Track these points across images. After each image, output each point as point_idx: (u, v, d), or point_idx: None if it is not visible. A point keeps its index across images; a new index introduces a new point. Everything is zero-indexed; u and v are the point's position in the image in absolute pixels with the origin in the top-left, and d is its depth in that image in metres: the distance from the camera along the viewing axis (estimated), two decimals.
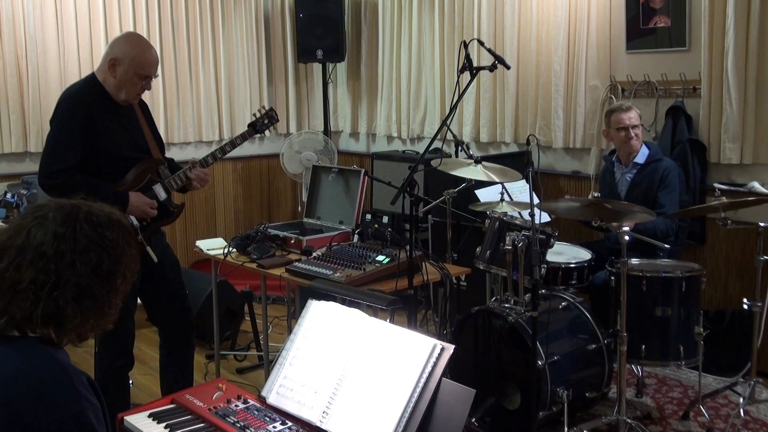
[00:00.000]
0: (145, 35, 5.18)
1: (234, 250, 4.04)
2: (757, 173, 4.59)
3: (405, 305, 3.28)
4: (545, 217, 4.46)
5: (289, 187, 7.09)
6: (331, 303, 2.43)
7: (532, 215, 3.33)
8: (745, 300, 3.90)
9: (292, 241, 4.05)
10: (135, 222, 3.40)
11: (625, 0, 5.03)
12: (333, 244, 3.85)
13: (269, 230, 4.15)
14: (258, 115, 3.91)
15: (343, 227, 4.21)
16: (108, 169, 3.40)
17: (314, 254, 3.80)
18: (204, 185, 3.70)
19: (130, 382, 3.79)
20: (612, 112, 4.45)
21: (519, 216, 4.00)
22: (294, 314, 4.81)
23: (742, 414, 3.81)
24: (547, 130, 5.51)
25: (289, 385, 2.32)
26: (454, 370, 3.59)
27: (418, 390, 2.05)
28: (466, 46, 3.47)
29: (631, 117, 4.35)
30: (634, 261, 3.86)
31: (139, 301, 3.64)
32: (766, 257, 3.76)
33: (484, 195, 4.58)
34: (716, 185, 4.51)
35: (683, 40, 4.83)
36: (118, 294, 1.70)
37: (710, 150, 4.73)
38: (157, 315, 3.72)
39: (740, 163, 4.61)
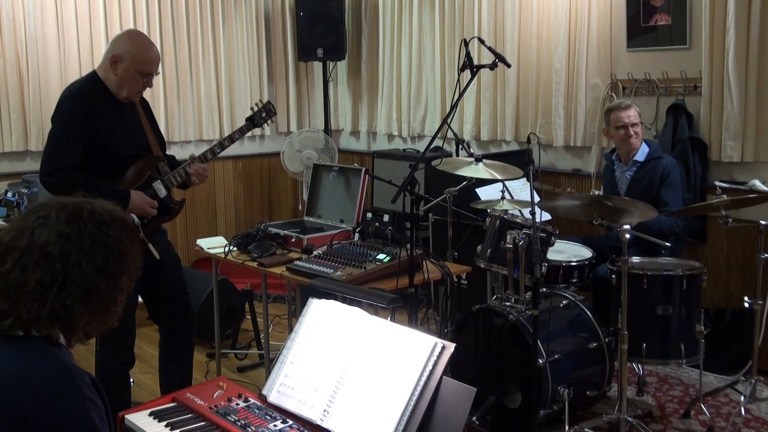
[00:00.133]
0: (145, 33, 5.18)
1: (235, 248, 4.04)
2: (758, 171, 4.58)
3: (406, 304, 3.28)
4: (546, 216, 4.46)
5: (290, 186, 7.09)
6: (332, 301, 2.43)
7: (532, 213, 3.33)
8: (746, 298, 3.89)
9: (293, 240, 4.05)
10: (136, 220, 3.39)
11: None
12: (334, 242, 3.85)
13: (270, 229, 4.15)
14: (255, 108, 3.90)
15: (343, 226, 4.21)
16: (109, 166, 3.40)
17: (315, 253, 3.80)
18: (203, 180, 3.70)
19: (131, 380, 3.79)
20: (611, 110, 4.45)
21: (520, 214, 4.00)
22: (295, 313, 4.80)
23: (743, 412, 3.81)
24: (548, 128, 5.51)
25: (290, 383, 2.32)
26: (454, 368, 3.59)
27: (419, 388, 2.05)
28: (466, 44, 3.47)
29: (630, 115, 4.34)
30: (635, 259, 3.86)
31: (140, 299, 3.64)
32: (766, 255, 3.76)
33: (484, 193, 4.58)
34: (717, 183, 4.51)
35: (684, 38, 4.82)
36: (123, 292, 1.70)
37: (711, 148, 4.72)
38: (158, 313, 3.72)
39: (741, 161, 4.61)
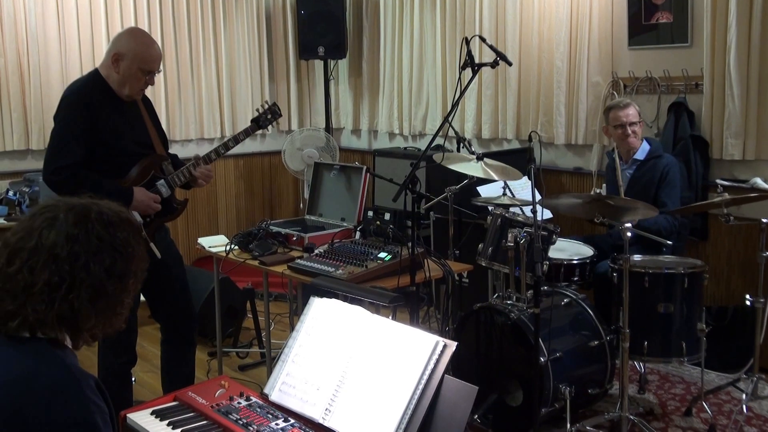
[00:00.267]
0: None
1: (236, 247, 4.04)
2: (759, 169, 4.58)
3: (407, 302, 3.29)
4: (547, 214, 4.46)
5: (291, 184, 7.09)
6: (334, 300, 2.43)
7: (534, 212, 3.33)
8: (747, 296, 3.89)
9: (294, 238, 4.05)
10: (138, 218, 3.40)
11: None
12: (335, 241, 3.85)
13: (271, 227, 4.15)
14: (261, 110, 3.89)
15: (345, 224, 4.21)
16: (112, 164, 3.40)
17: (316, 251, 3.80)
18: (208, 182, 3.70)
19: (133, 379, 3.79)
20: (610, 109, 4.45)
21: (521, 212, 3.99)
22: (296, 311, 4.81)
23: (744, 410, 3.81)
24: (549, 126, 5.50)
25: (292, 382, 2.32)
26: (456, 367, 3.59)
27: (421, 387, 2.05)
28: (467, 42, 3.47)
29: (629, 114, 4.33)
30: (637, 257, 3.86)
31: (142, 297, 3.64)
32: None
33: (486, 192, 4.58)
34: (718, 181, 4.51)
35: (685, 36, 4.82)
36: (129, 294, 1.70)
37: (712, 146, 4.72)
38: (160, 312, 3.72)
39: (743, 159, 4.61)
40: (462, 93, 3.58)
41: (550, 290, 3.90)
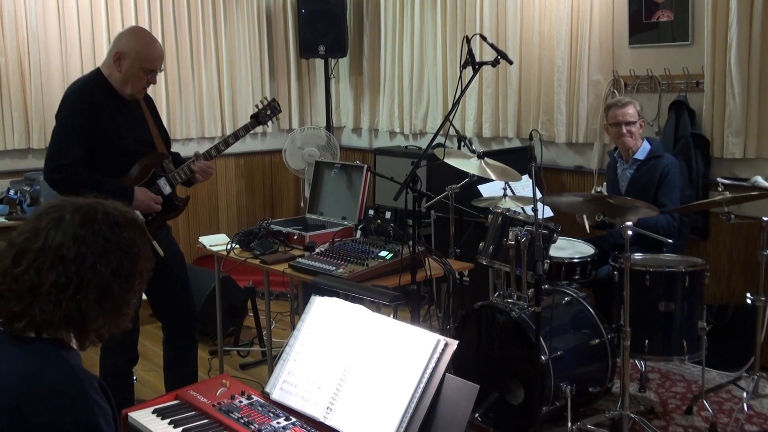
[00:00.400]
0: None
1: (237, 246, 4.04)
2: (760, 168, 4.58)
3: (408, 301, 3.29)
4: (548, 212, 4.46)
5: (292, 183, 7.09)
6: (335, 299, 2.43)
7: (535, 210, 3.33)
8: (748, 294, 3.89)
9: (295, 237, 4.05)
10: (140, 217, 3.40)
11: None
12: (336, 239, 3.85)
13: (272, 226, 4.15)
14: (260, 106, 3.89)
15: (345, 223, 4.21)
16: (113, 163, 3.41)
17: (317, 250, 3.80)
18: (207, 178, 3.70)
19: (134, 378, 3.79)
20: (609, 107, 4.45)
21: (522, 211, 4.00)
22: (297, 310, 4.81)
23: (745, 408, 3.81)
24: (550, 125, 5.50)
25: (293, 380, 2.32)
26: (457, 365, 3.59)
27: (422, 385, 2.05)
28: (468, 41, 3.46)
29: (626, 113, 4.32)
30: (637, 256, 3.86)
31: (143, 296, 3.64)
32: None
33: (486, 190, 4.58)
34: (719, 180, 4.51)
35: (686, 34, 4.81)
36: (136, 294, 1.70)
37: (713, 144, 4.72)
38: (161, 310, 3.72)
39: (743, 157, 4.61)
40: (463, 91, 3.58)
41: (551, 289, 3.90)
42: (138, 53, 3.36)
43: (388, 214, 5.67)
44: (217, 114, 6.46)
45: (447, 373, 2.07)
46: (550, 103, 5.49)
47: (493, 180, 4.15)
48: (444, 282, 3.81)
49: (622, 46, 5.14)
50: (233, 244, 4.04)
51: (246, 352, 4.99)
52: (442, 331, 3.72)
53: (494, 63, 3.53)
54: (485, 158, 4.06)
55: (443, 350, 2.09)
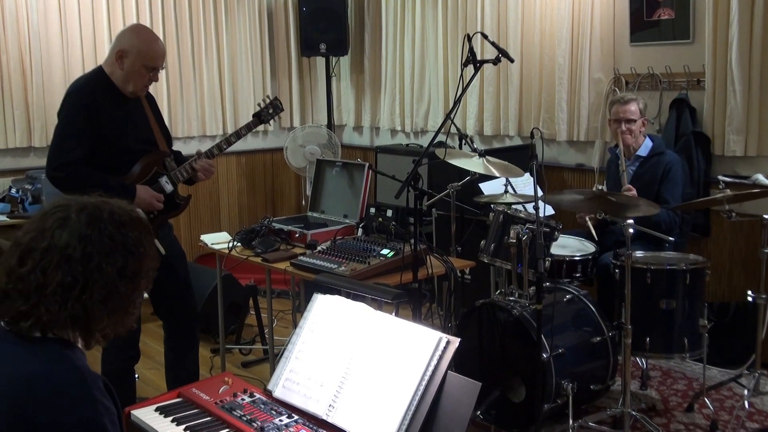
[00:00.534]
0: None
1: (238, 244, 4.05)
2: (761, 165, 4.58)
3: (410, 299, 3.29)
4: (549, 210, 4.46)
5: (293, 181, 7.10)
6: (337, 297, 2.44)
7: (536, 208, 3.33)
8: (749, 292, 3.89)
9: (297, 235, 4.05)
10: (142, 215, 3.40)
11: None
12: (337, 237, 3.86)
13: (273, 224, 4.16)
14: (263, 104, 3.90)
15: (347, 221, 4.22)
16: (115, 161, 3.41)
17: (319, 248, 3.80)
18: (209, 176, 3.70)
19: (136, 376, 3.80)
20: (613, 103, 4.45)
21: (523, 209, 4.00)
22: (299, 308, 4.82)
23: (746, 406, 3.81)
24: (551, 123, 5.51)
25: (295, 378, 2.33)
26: (458, 363, 3.59)
27: (424, 383, 2.05)
28: (469, 39, 3.47)
29: (627, 110, 4.31)
30: (639, 254, 3.86)
31: (145, 294, 3.64)
32: None
33: (488, 188, 4.58)
34: (720, 177, 4.49)
35: (687, 32, 4.82)
36: (141, 293, 1.70)
37: (714, 142, 4.72)
38: (163, 309, 3.72)
39: (744, 155, 4.61)
40: (464, 90, 3.58)
41: (552, 286, 3.90)
42: (140, 51, 3.37)
43: (389, 212, 5.68)
44: (218, 112, 6.47)
45: (449, 371, 2.07)
46: (551, 101, 5.49)
47: (495, 176, 4.15)
48: (445, 280, 3.82)
49: (623, 44, 5.14)
50: (235, 243, 4.05)
51: (248, 350, 5.00)
52: (444, 329, 3.73)
53: (495, 61, 3.54)
54: (486, 157, 4.07)
55: (445, 348, 2.10)
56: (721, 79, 4.62)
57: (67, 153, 3.29)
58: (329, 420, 2.17)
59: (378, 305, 2.79)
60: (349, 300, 2.41)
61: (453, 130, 4.01)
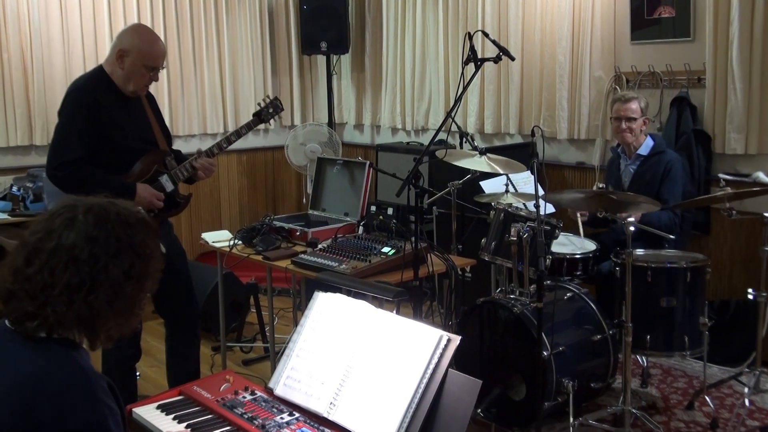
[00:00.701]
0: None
1: (239, 242, 4.06)
2: (761, 163, 4.58)
3: (410, 297, 3.29)
4: (550, 208, 4.46)
5: (294, 179, 7.10)
6: (338, 294, 2.44)
7: (537, 206, 3.34)
8: (749, 290, 3.89)
9: (298, 233, 4.06)
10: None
11: None
12: (338, 235, 3.86)
13: (274, 222, 4.16)
14: (263, 104, 3.90)
15: (348, 219, 4.22)
16: (116, 160, 3.42)
17: (320, 246, 3.81)
18: (210, 175, 3.71)
19: (137, 374, 3.80)
20: (615, 100, 4.45)
21: (524, 207, 4.00)
22: (300, 306, 4.82)
23: (746, 404, 3.81)
24: (552, 121, 5.51)
25: (297, 376, 2.33)
26: (459, 361, 3.60)
27: (425, 381, 2.06)
28: (470, 37, 3.47)
29: (627, 109, 4.31)
30: (639, 252, 3.87)
31: None
32: None
33: (488, 186, 4.59)
34: (721, 176, 4.50)
35: (688, 30, 4.81)
36: (146, 294, 1.71)
37: (715, 140, 4.72)
38: (164, 307, 3.73)
39: (745, 153, 4.61)
40: (465, 88, 3.58)
41: (552, 285, 3.90)
42: (140, 51, 3.37)
43: (390, 211, 5.68)
44: (219, 110, 6.47)
45: (449, 369, 2.08)
46: (551, 100, 5.49)
47: (496, 174, 4.15)
48: (446, 278, 3.82)
49: (624, 42, 5.14)
50: (236, 241, 4.05)
51: (249, 348, 5.00)
52: (445, 327, 3.73)
53: (496, 59, 3.54)
54: (487, 155, 4.07)
55: (446, 346, 2.10)
56: (722, 77, 4.62)
57: (68, 152, 3.29)
58: (330, 418, 2.17)
59: (379, 303, 2.79)
60: (350, 298, 2.41)
61: (454, 128, 4.02)
